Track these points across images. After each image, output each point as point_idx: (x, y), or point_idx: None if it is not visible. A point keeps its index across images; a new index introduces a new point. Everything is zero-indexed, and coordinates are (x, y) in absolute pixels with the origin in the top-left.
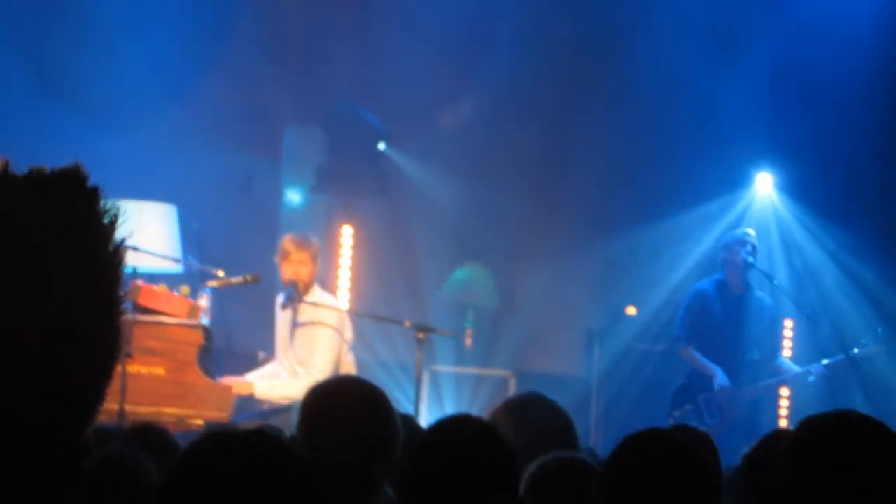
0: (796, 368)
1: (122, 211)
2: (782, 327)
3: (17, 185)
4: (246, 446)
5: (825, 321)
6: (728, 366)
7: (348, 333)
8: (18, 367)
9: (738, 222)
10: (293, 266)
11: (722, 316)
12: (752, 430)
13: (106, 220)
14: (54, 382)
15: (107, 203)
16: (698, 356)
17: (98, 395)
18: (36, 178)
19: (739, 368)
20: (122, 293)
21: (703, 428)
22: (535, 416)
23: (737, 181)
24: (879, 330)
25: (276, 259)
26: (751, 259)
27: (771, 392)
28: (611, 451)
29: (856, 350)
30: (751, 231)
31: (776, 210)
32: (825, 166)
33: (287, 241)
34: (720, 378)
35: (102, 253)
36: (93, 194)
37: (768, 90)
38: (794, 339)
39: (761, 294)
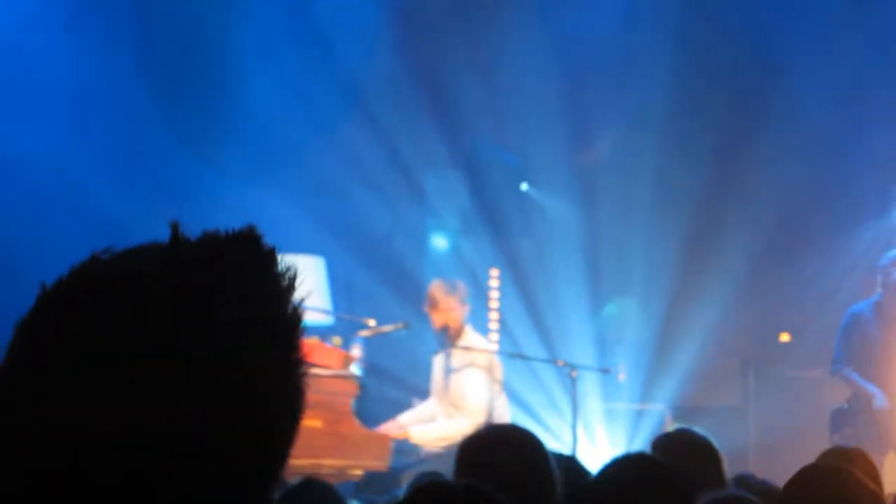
0: None
1: (299, 270)
2: None
3: (190, 251)
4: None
5: None
6: (888, 388)
7: (499, 374)
8: (205, 447)
9: (890, 242)
10: (442, 314)
11: (880, 338)
12: None
13: (284, 283)
14: (243, 452)
15: (284, 264)
16: (856, 378)
17: (283, 456)
18: (210, 243)
19: (889, 391)
20: (301, 354)
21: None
22: (683, 454)
23: (885, 205)
24: None
25: (426, 307)
26: None
27: None
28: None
29: None
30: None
31: None
32: None
33: (434, 289)
34: (879, 400)
35: (282, 316)
36: (269, 256)
37: None
38: None
39: None
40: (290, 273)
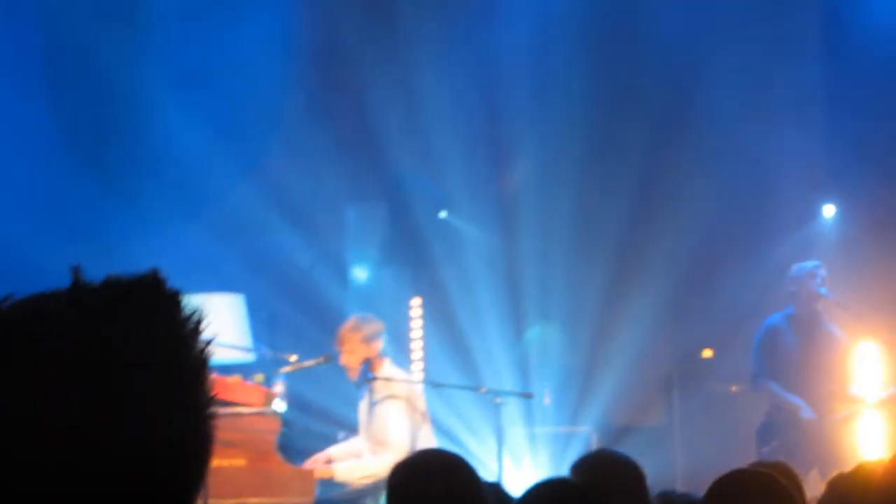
0: (867, 398)
1: (204, 312)
2: (858, 357)
3: (93, 296)
4: None
5: None
6: (807, 398)
7: (421, 405)
8: (107, 492)
9: (808, 254)
10: (345, 354)
11: (795, 349)
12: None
13: (189, 326)
14: (148, 497)
15: (189, 307)
16: (779, 391)
17: (190, 498)
18: (113, 288)
19: (818, 400)
20: (209, 394)
21: (790, 462)
22: (604, 475)
23: (803, 214)
24: None
25: (335, 346)
26: (822, 290)
27: (851, 421)
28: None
29: None
30: (818, 263)
31: (844, 240)
32: (889, 193)
33: (340, 329)
34: (806, 411)
35: (185, 360)
36: (173, 300)
37: (828, 118)
38: (874, 368)
39: (832, 325)
40: (196, 316)
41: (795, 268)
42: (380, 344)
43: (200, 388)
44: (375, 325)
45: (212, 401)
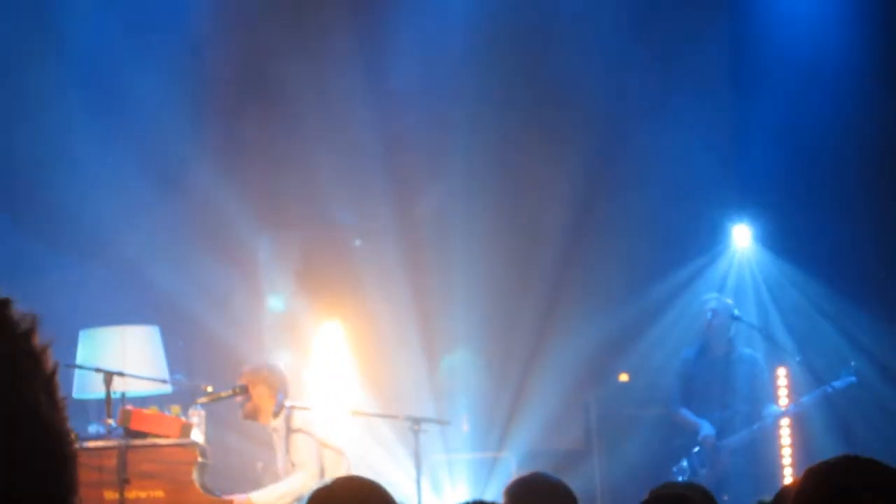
0: (779, 414)
1: (38, 320)
2: (775, 376)
3: None
4: None
5: (816, 363)
6: (713, 421)
7: (319, 428)
8: None
9: (721, 277)
10: (254, 399)
11: (706, 376)
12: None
13: (21, 330)
14: None
15: (19, 313)
16: (686, 415)
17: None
18: None
19: (724, 422)
20: (66, 426)
21: (697, 480)
22: (537, 496)
23: (715, 237)
24: (852, 363)
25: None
26: (736, 312)
27: (766, 437)
28: None
29: (833, 384)
30: (714, 295)
31: (757, 261)
32: (801, 214)
33: (247, 372)
34: (704, 429)
35: (16, 357)
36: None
37: (736, 141)
38: (789, 387)
39: (745, 350)
40: (28, 323)
41: (712, 300)
42: (265, 391)
43: (29, 386)
44: (264, 374)
45: (67, 431)
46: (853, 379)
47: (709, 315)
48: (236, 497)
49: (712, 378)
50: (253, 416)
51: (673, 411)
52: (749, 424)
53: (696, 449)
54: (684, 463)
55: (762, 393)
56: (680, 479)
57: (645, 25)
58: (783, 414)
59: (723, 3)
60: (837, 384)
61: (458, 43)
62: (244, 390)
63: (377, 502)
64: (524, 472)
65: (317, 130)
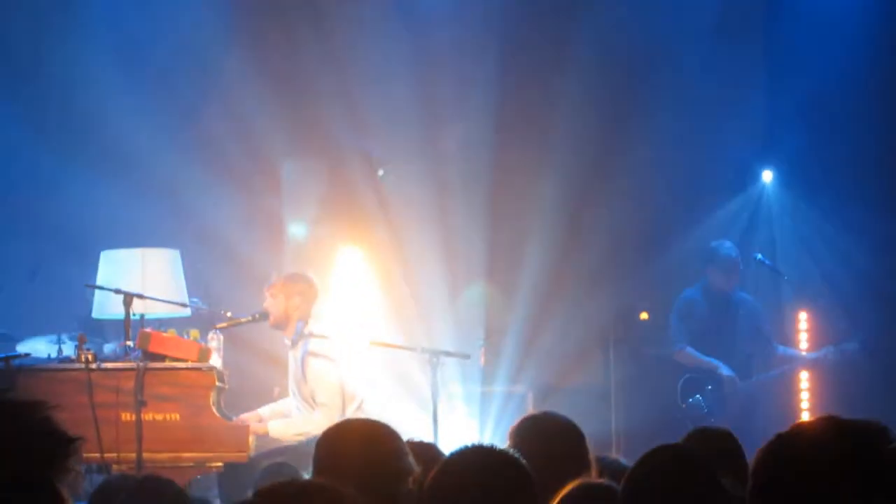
0: (801, 354)
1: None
2: (796, 320)
3: None
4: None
5: (838, 310)
6: (725, 363)
7: (347, 361)
8: None
9: (748, 221)
10: (267, 300)
11: (711, 318)
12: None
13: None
14: None
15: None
16: (696, 354)
17: None
18: None
19: (739, 364)
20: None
21: (714, 420)
22: (545, 436)
23: (741, 180)
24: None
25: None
26: (758, 256)
27: (777, 383)
28: (630, 468)
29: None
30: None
31: (783, 205)
32: (829, 158)
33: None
34: (725, 369)
35: None
36: None
37: (766, 87)
38: (810, 332)
39: (745, 294)
40: None
41: (724, 246)
42: (299, 302)
43: None
44: (304, 286)
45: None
46: (858, 345)
47: (710, 261)
48: (253, 421)
49: (715, 320)
50: (282, 324)
51: (678, 350)
52: (756, 368)
53: (710, 387)
54: (699, 397)
55: (764, 336)
56: (694, 413)
57: None
58: (802, 361)
59: None
60: (848, 346)
61: None
62: (263, 317)
63: (387, 447)
64: (536, 410)
65: (345, 58)
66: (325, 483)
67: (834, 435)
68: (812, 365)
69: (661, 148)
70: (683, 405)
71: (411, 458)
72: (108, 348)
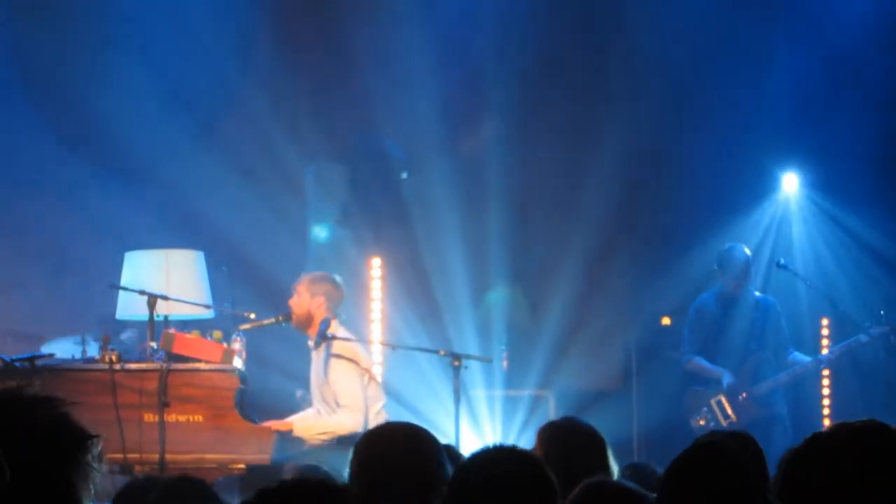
0: (808, 362)
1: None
2: (819, 326)
3: None
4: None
5: (857, 315)
6: (734, 367)
7: (364, 363)
8: None
9: (769, 225)
10: (293, 297)
11: (723, 323)
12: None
13: None
14: None
15: None
16: (702, 363)
17: None
18: None
19: (747, 368)
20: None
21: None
22: (569, 442)
23: (764, 184)
24: (882, 312)
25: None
26: (782, 261)
27: (796, 384)
28: (666, 467)
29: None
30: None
31: (804, 209)
32: (851, 162)
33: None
34: (726, 377)
35: None
36: None
37: (790, 90)
38: (831, 337)
39: (762, 295)
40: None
41: (733, 248)
42: (323, 302)
43: None
44: (329, 286)
45: None
46: (886, 329)
47: (722, 264)
48: (276, 422)
49: (727, 325)
50: (305, 325)
51: (686, 360)
52: (774, 371)
53: (716, 398)
54: (704, 409)
55: (783, 338)
56: (702, 424)
57: None
58: (820, 362)
59: None
60: (872, 332)
61: None
62: (287, 318)
63: (427, 453)
64: (559, 416)
65: (368, 61)
66: (324, 481)
67: (874, 440)
68: (818, 367)
69: (687, 151)
70: (691, 421)
71: (449, 467)
72: (125, 335)
